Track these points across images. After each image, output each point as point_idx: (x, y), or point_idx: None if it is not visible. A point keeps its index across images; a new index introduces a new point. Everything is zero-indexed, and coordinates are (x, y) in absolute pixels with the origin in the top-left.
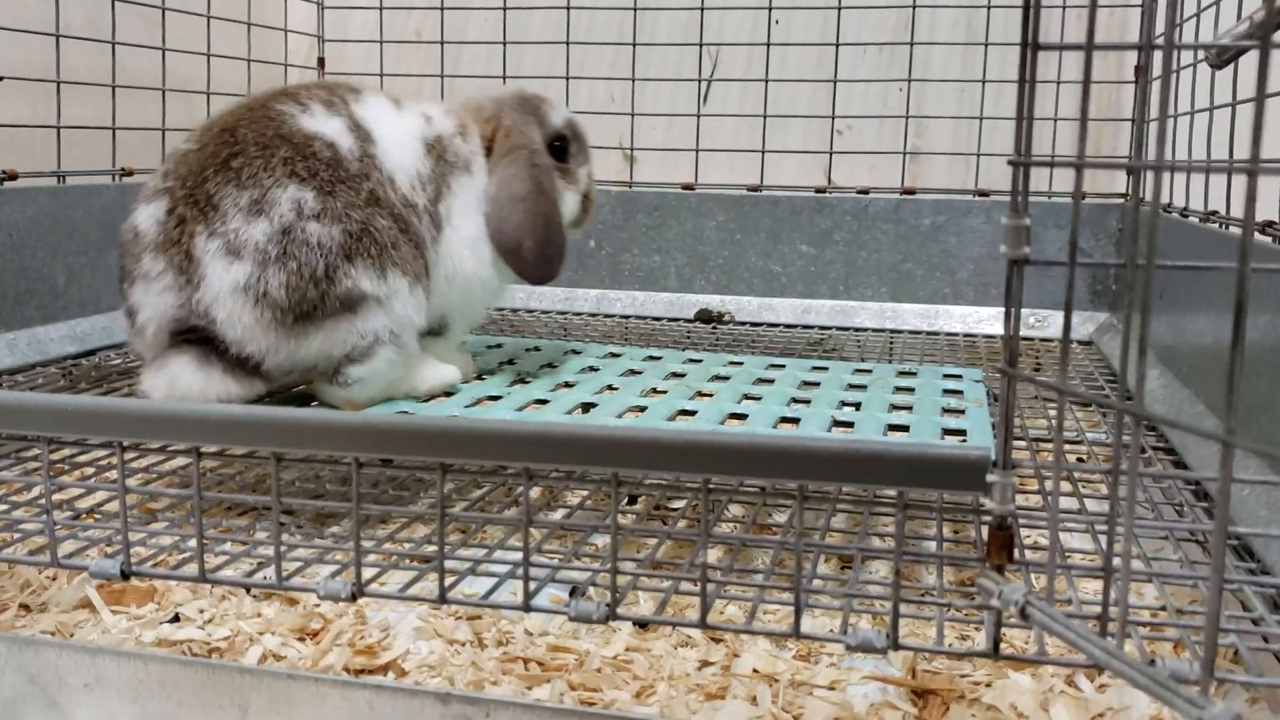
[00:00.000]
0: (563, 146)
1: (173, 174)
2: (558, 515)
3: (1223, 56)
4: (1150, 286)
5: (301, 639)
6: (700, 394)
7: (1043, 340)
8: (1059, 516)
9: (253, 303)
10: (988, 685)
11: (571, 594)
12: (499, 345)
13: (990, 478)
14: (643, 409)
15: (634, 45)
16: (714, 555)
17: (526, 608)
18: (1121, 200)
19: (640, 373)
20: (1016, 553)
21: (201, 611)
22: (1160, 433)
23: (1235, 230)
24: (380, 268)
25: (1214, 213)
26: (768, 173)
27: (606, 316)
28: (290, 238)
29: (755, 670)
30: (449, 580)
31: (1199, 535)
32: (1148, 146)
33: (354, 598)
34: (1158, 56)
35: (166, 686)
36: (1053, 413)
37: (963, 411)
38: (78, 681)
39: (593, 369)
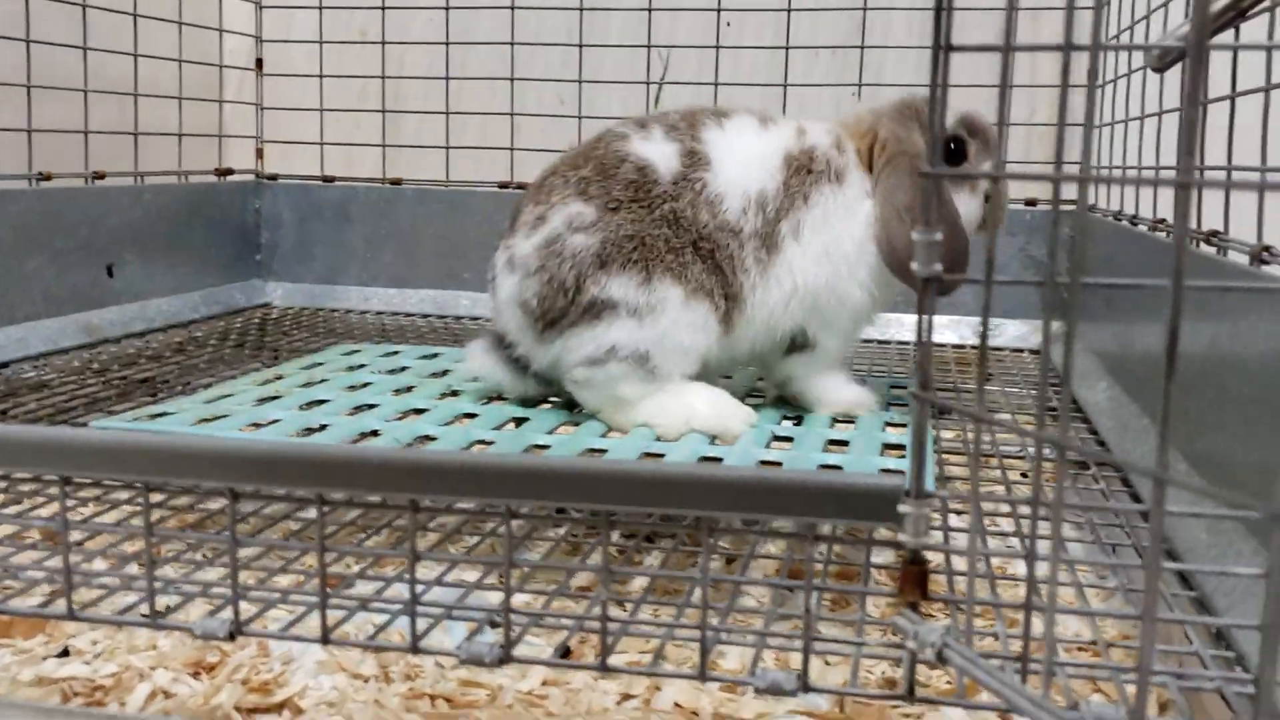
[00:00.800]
0: (958, 149)
1: (524, 191)
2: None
3: (1164, 59)
4: (1077, 303)
5: (195, 674)
6: None
7: (993, 349)
8: (978, 550)
9: (521, 311)
10: (919, 718)
11: (490, 626)
12: (435, 355)
13: (902, 508)
14: (576, 423)
15: (581, 46)
16: (637, 586)
17: (414, 649)
18: (1074, 208)
19: None
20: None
21: (95, 644)
22: (1104, 440)
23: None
24: (646, 273)
25: (1162, 220)
26: None
27: None
28: (550, 249)
29: (677, 704)
30: (340, 615)
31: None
32: (1059, 153)
33: (232, 636)
34: (1098, 60)
35: None
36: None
37: (905, 425)
38: None
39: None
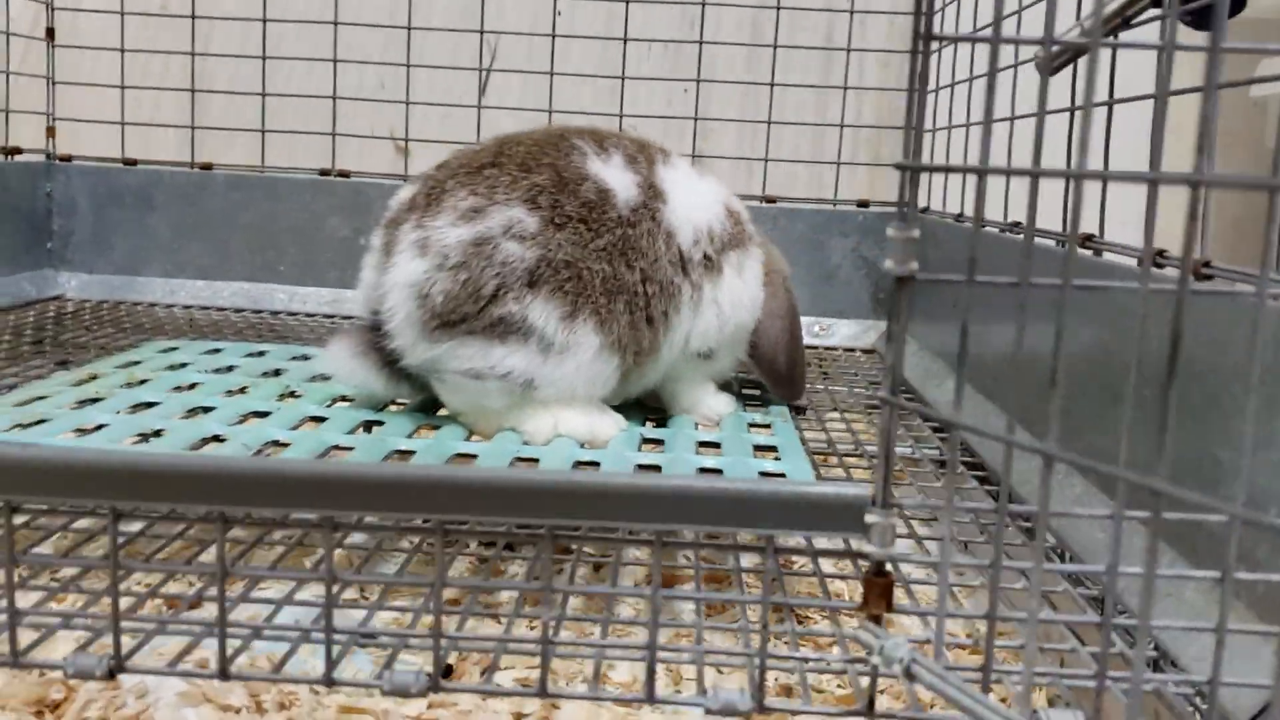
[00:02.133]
0: None
1: (447, 164)
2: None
3: (1054, 62)
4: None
5: (39, 713)
6: None
7: (826, 349)
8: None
9: (416, 301)
10: None
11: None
12: (262, 353)
13: (869, 518)
14: (435, 426)
15: (409, 29)
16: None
17: (329, 681)
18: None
19: None
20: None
21: None
22: (969, 447)
23: (1045, 241)
24: (572, 309)
25: (1016, 224)
26: None
27: None
28: (479, 249)
29: None
30: (235, 644)
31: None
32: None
33: (111, 675)
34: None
35: None
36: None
37: (768, 426)
38: None
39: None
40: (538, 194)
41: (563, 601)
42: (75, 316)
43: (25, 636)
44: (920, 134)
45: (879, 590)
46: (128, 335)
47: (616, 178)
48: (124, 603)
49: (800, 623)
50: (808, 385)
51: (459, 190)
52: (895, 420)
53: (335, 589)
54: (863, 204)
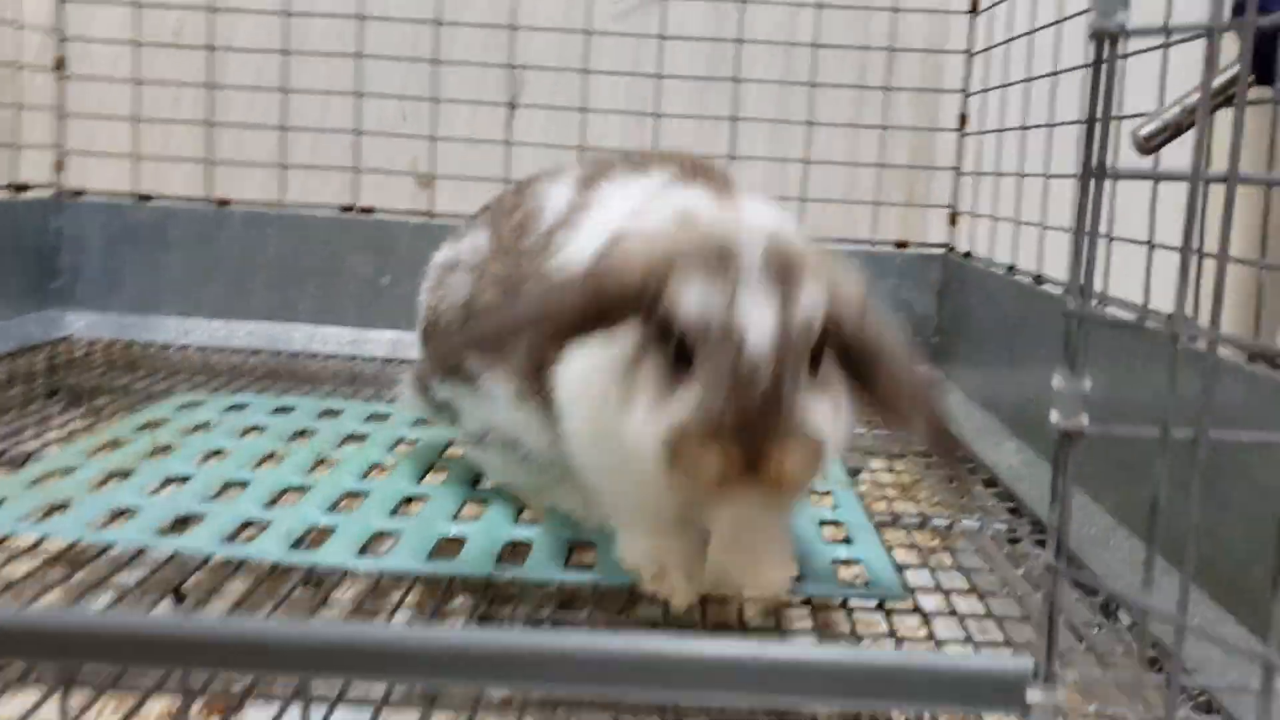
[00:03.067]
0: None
1: None
2: None
3: (1151, 141)
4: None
5: None
6: None
7: None
8: None
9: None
10: None
11: None
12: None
13: (1032, 696)
14: (482, 500)
15: (433, 62)
16: None
17: None
18: (942, 250)
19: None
20: None
21: None
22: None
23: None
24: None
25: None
26: None
27: (403, 361)
28: (443, 275)
29: None
30: None
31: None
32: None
33: None
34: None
35: None
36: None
37: (828, 494)
38: None
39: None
40: (496, 216)
41: None
42: (86, 360)
43: None
44: (1091, 278)
45: None
46: (142, 380)
47: (555, 196)
48: None
49: None
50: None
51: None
52: (1063, 590)
53: None
54: (901, 244)
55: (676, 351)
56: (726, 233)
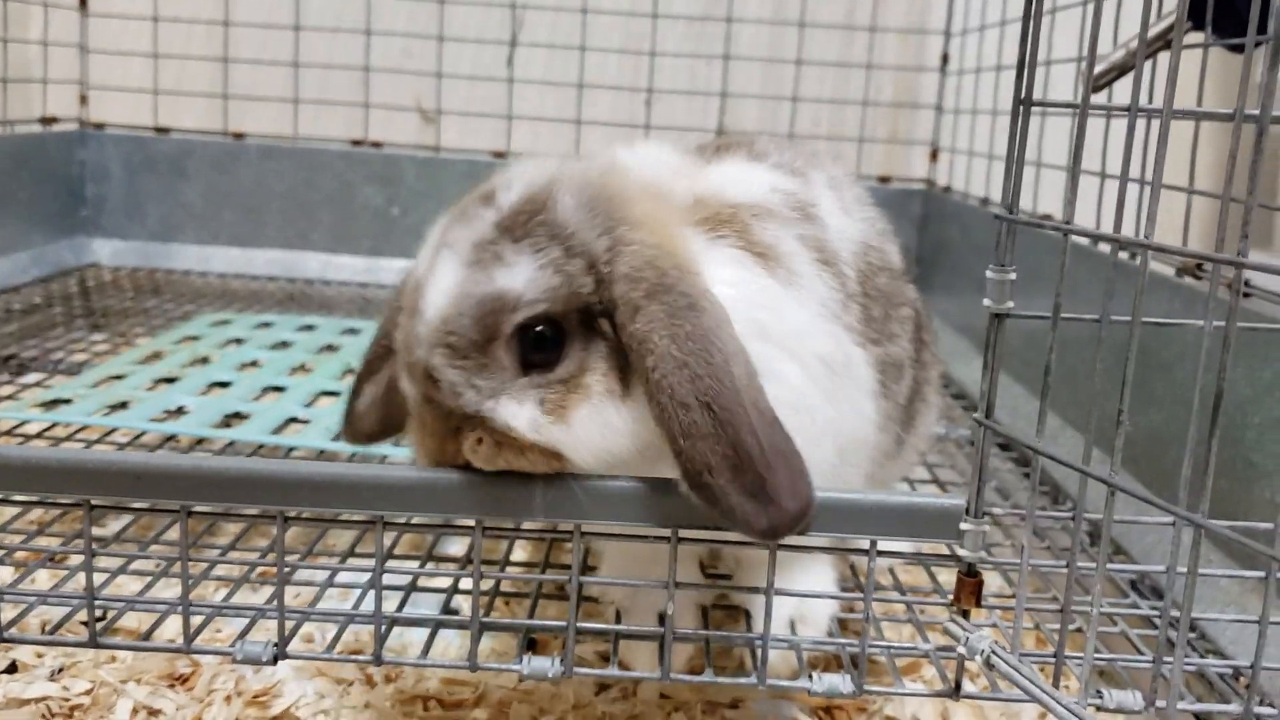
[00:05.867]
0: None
1: None
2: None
3: (1100, 80)
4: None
5: (172, 685)
6: None
7: None
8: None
9: None
10: (886, 699)
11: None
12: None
13: (963, 525)
14: None
15: (439, 1)
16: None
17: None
18: (923, 185)
19: None
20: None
21: (40, 656)
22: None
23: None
24: None
25: (1047, 216)
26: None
27: None
28: None
29: (664, 695)
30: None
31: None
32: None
33: (275, 660)
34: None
35: None
36: None
37: None
38: None
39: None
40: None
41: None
42: (114, 284)
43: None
44: (1019, 189)
45: (969, 589)
46: (170, 303)
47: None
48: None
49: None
50: None
51: None
52: (989, 441)
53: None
54: (884, 179)
55: None
56: (501, 183)
